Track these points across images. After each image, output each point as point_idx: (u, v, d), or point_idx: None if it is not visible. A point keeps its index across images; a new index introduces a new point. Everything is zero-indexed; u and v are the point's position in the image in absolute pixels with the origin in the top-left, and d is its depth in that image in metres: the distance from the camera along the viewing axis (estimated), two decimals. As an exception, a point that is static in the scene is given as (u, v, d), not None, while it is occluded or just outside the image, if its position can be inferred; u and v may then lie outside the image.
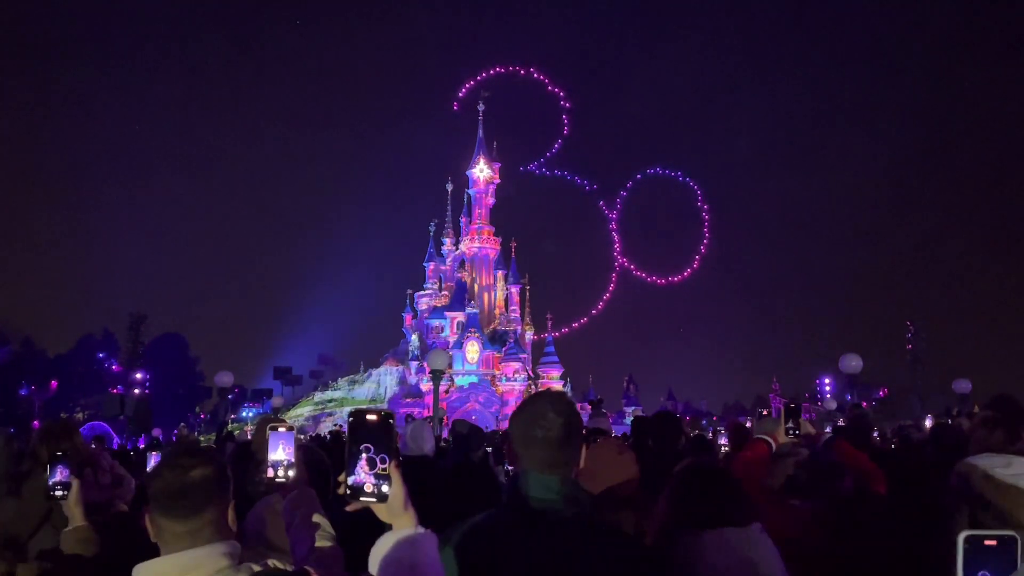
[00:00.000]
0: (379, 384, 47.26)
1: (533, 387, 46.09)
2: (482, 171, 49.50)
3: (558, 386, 46.16)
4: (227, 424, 21.90)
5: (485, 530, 2.23)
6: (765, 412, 5.96)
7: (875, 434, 10.02)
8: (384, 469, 1.84)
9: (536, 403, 2.37)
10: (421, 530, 1.90)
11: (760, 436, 3.72)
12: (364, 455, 1.84)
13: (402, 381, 46.61)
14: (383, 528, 1.96)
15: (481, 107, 51.05)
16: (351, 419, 1.90)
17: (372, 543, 1.94)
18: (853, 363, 16.02)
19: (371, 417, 1.88)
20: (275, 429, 2.48)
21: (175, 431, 18.84)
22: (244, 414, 43.84)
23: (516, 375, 45.08)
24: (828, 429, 9.03)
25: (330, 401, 46.19)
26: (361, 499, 1.83)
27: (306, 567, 1.90)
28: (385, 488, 1.84)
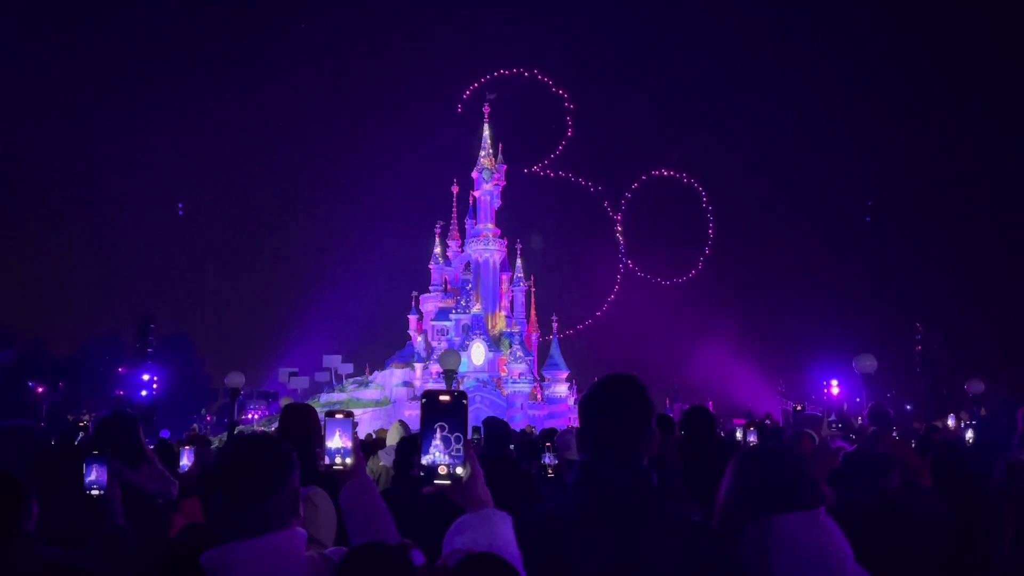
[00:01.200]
0: (384, 386, 47.23)
1: (539, 389, 46.10)
2: (488, 173, 49.48)
3: (563, 388, 46.17)
4: (236, 425, 21.87)
5: (556, 517, 2.19)
6: (799, 407, 5.92)
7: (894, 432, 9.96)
8: (459, 450, 1.78)
9: (603, 388, 2.32)
10: (497, 511, 1.85)
11: (803, 431, 3.67)
12: (438, 435, 1.78)
13: (408, 383, 46.57)
14: (442, 514, 1.90)
15: (487, 109, 51.09)
16: (424, 400, 1.85)
17: (431, 530, 1.89)
18: (867, 363, 15.92)
19: (444, 398, 1.83)
20: (333, 416, 2.41)
21: (185, 432, 18.80)
22: (250, 416, 43.82)
23: (521, 377, 45.03)
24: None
25: (336, 403, 46.12)
26: (436, 482, 1.77)
27: (406, 541, 1.83)
28: (460, 470, 1.79)
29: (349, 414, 2.54)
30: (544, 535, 2.14)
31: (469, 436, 1.83)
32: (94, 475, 3.36)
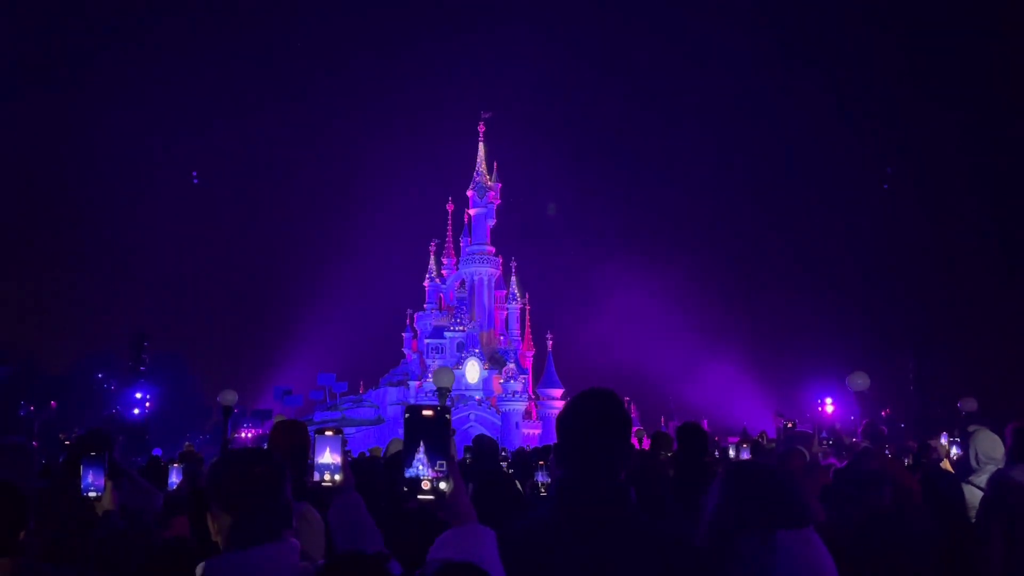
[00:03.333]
0: (379, 405, 47.07)
1: (534, 407, 46.00)
2: (482, 191, 49.62)
3: (559, 406, 46.08)
4: (229, 442, 21.74)
5: (536, 530, 2.18)
6: (790, 424, 5.93)
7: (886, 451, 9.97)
8: (442, 464, 1.78)
9: (580, 403, 2.32)
10: (480, 526, 1.85)
11: (794, 447, 3.67)
12: (422, 450, 1.78)
13: (403, 401, 46.43)
14: (429, 529, 1.90)
15: (481, 128, 51.34)
16: (407, 415, 1.85)
17: (417, 544, 1.89)
18: (860, 381, 15.91)
19: (427, 412, 1.83)
20: (322, 434, 2.42)
21: (178, 450, 18.71)
22: (244, 434, 43.56)
23: (516, 395, 44.95)
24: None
25: (330, 422, 45.93)
26: (419, 496, 1.77)
27: (383, 551, 1.84)
28: (443, 484, 1.79)
29: (338, 431, 2.55)
30: (521, 550, 2.14)
31: (453, 451, 1.83)
32: (91, 478, 3.38)
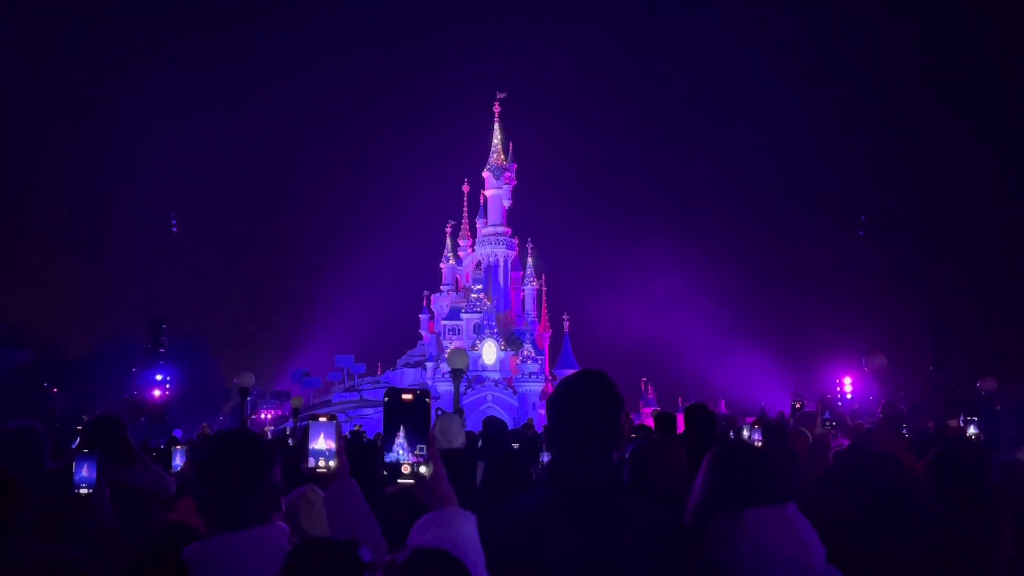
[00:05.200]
0: (396, 386, 47.35)
1: (551, 387, 46.08)
2: (498, 172, 49.47)
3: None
4: (246, 424, 21.98)
5: (526, 512, 2.19)
6: (799, 404, 5.90)
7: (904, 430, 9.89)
8: (422, 448, 1.78)
9: (572, 385, 2.31)
10: (460, 510, 1.85)
11: (797, 429, 3.65)
12: (401, 434, 1.78)
13: (420, 383, 46.70)
14: (423, 512, 1.90)
15: (496, 108, 51.09)
16: (386, 399, 1.84)
17: (398, 528, 1.89)
18: (878, 361, 15.84)
19: (407, 396, 1.83)
20: (316, 419, 2.43)
21: (197, 432, 18.93)
22: (263, 415, 44.05)
23: (533, 375, 45.05)
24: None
25: (348, 403, 46.28)
26: (399, 481, 1.77)
27: (353, 539, 1.84)
28: (423, 468, 1.78)
29: (332, 417, 2.55)
30: (513, 532, 2.14)
31: (462, 431, 1.84)
32: (84, 472, 3.38)
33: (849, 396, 32.27)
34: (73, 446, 6.72)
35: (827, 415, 3.63)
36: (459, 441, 6.06)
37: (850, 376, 32.82)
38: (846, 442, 4.27)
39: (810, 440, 4.32)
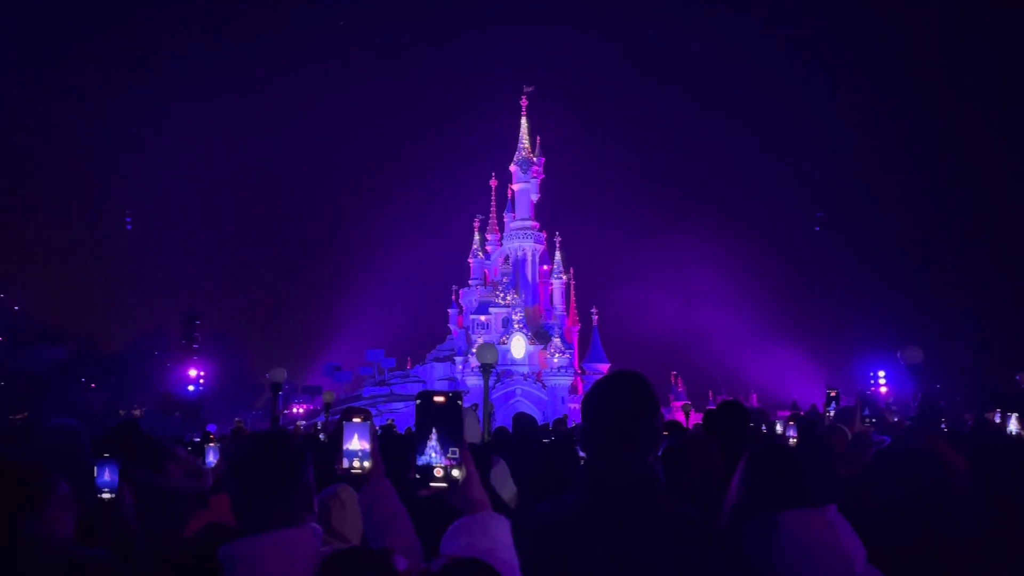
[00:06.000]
0: (426, 380, 47.57)
1: (580, 382, 46.00)
2: (525, 166, 49.37)
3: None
4: (279, 418, 22.21)
5: (560, 514, 2.15)
6: (834, 393, 5.79)
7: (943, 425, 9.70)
8: (455, 452, 1.75)
9: (606, 385, 2.27)
10: (493, 514, 1.81)
11: (836, 425, 3.57)
12: (434, 437, 1.75)
13: (449, 377, 46.84)
14: (457, 515, 1.88)
15: (524, 102, 50.96)
16: (419, 401, 1.82)
17: (446, 528, 1.86)
18: (914, 354, 15.54)
19: (439, 399, 1.80)
20: (350, 420, 2.41)
21: (231, 426, 19.16)
22: (295, 409, 44.57)
23: (562, 369, 44.98)
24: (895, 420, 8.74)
25: (379, 397, 46.61)
26: (432, 484, 1.74)
27: (387, 547, 1.82)
28: (456, 472, 1.75)
29: (367, 417, 2.53)
30: (547, 535, 2.11)
31: (464, 438, 1.80)
32: (106, 477, 3.38)
33: (884, 390, 31.81)
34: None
35: (867, 411, 3.54)
36: (474, 437, 6.02)
37: (884, 369, 32.34)
38: (887, 439, 4.17)
39: (849, 437, 4.23)
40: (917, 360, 15.82)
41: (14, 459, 2.64)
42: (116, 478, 3.38)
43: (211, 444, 6.07)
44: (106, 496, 3.35)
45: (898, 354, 16.61)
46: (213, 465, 5.85)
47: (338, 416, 2.59)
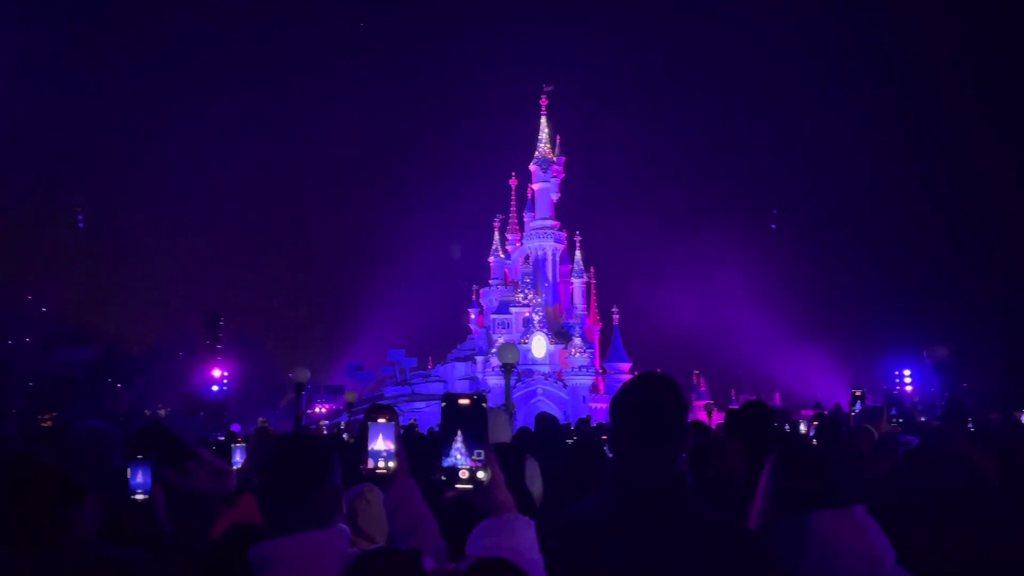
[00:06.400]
0: (447, 380, 47.71)
1: (601, 381, 45.90)
2: (545, 165, 49.33)
3: (627, 379, 45.73)
4: (302, 418, 22.36)
5: (587, 517, 2.15)
6: (859, 392, 5.74)
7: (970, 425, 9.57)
8: (479, 454, 1.76)
9: (635, 387, 2.27)
10: (519, 516, 1.82)
11: (862, 425, 3.54)
12: (459, 439, 1.76)
13: (469, 377, 46.93)
14: (482, 516, 1.89)
15: (544, 101, 50.92)
16: (444, 403, 1.83)
17: (470, 531, 1.87)
18: (940, 352, 15.36)
19: (463, 401, 1.81)
20: (375, 420, 2.42)
21: (254, 426, 19.32)
22: (317, 409, 44.88)
23: (583, 369, 44.90)
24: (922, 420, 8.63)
25: (400, 397, 46.81)
26: (457, 486, 1.75)
27: (415, 547, 1.83)
28: (481, 474, 1.76)
29: (392, 417, 2.55)
30: (574, 538, 2.11)
31: (489, 440, 1.81)
32: (139, 478, 3.41)
33: (909, 388, 31.45)
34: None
35: (893, 411, 3.51)
36: (505, 436, 6.01)
37: (910, 368, 31.96)
38: (915, 439, 4.13)
39: (876, 437, 4.19)
40: (943, 358, 15.62)
41: (46, 461, 2.69)
42: (149, 480, 3.42)
43: (237, 444, 6.10)
44: (139, 497, 3.39)
45: (924, 352, 16.42)
46: (240, 465, 5.88)
47: (361, 415, 2.61)
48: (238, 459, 5.98)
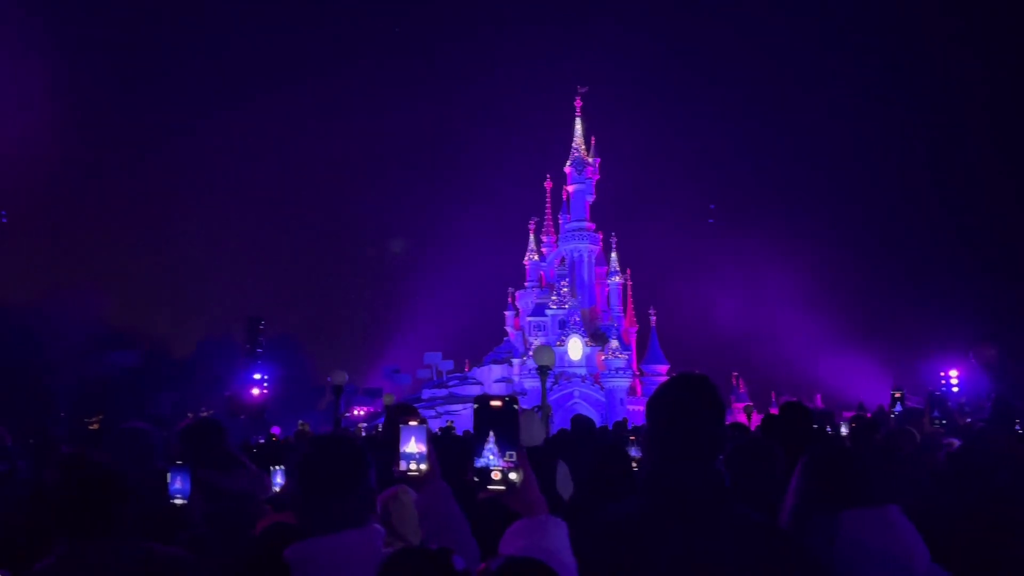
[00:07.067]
0: (483, 382, 47.84)
1: (638, 383, 45.63)
2: (580, 167, 49.24)
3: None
4: (340, 420, 22.59)
5: (624, 519, 2.15)
6: (898, 394, 5.64)
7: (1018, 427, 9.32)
8: (511, 456, 1.77)
9: (672, 388, 2.26)
10: (551, 517, 1.83)
11: (904, 427, 3.48)
12: (491, 440, 1.78)
13: (506, 379, 46.99)
14: (514, 517, 1.90)
15: (578, 103, 50.86)
16: (476, 405, 1.85)
17: (503, 531, 1.89)
18: (988, 352, 15.01)
19: (495, 403, 1.83)
20: (406, 423, 2.45)
21: (294, 428, 19.57)
22: (355, 412, 45.30)
23: (620, 371, 44.69)
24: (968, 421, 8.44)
25: (438, 399, 47.06)
26: (490, 487, 1.77)
27: (447, 547, 1.85)
28: (513, 475, 1.78)
29: (423, 420, 2.57)
30: (611, 540, 2.11)
31: (520, 442, 1.82)
32: (178, 484, 3.48)
33: (956, 390, 30.69)
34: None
35: (936, 412, 3.44)
36: (538, 438, 6.01)
37: (957, 368, 31.22)
38: (957, 442, 4.04)
39: (918, 439, 4.11)
40: (991, 359, 15.26)
41: (99, 461, 2.81)
42: (188, 486, 3.50)
43: (278, 468, 5.83)
44: (178, 502, 3.46)
45: (971, 352, 16.06)
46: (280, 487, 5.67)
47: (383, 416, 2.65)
48: (279, 480, 5.75)
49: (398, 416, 3.91)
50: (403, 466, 2.47)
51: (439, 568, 1.65)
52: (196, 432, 4.41)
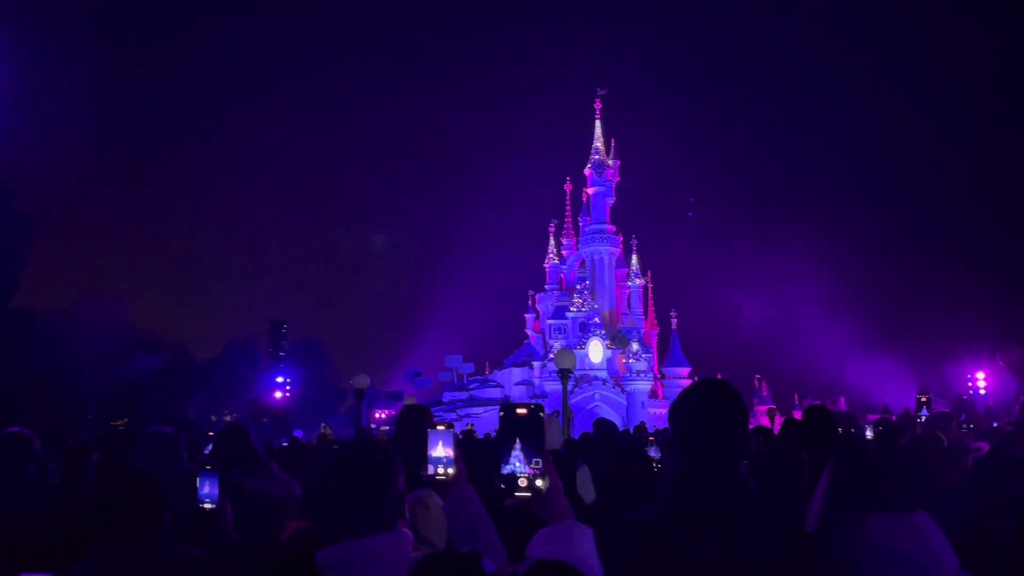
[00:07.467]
0: (504, 385, 47.86)
1: (659, 386, 45.44)
2: (600, 169, 49.18)
3: (686, 384, 45.17)
4: (362, 423, 22.72)
5: (649, 524, 2.16)
6: (924, 399, 5.59)
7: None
8: (537, 463, 1.79)
9: (695, 394, 2.27)
10: (577, 524, 1.84)
11: (930, 432, 3.45)
12: (518, 447, 1.80)
13: (526, 382, 46.98)
14: (540, 524, 1.91)
15: (598, 105, 50.81)
16: (502, 412, 1.87)
17: (530, 537, 1.90)
18: (1016, 355, 14.81)
19: (521, 411, 1.84)
20: (434, 428, 2.48)
21: (316, 432, 19.71)
22: (377, 415, 45.44)
23: (641, 374, 44.53)
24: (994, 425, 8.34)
25: (459, 402, 47.14)
26: (516, 494, 1.79)
27: (476, 551, 1.88)
28: (539, 482, 1.79)
29: (450, 425, 2.60)
30: (636, 544, 2.12)
31: (546, 448, 1.84)
32: (207, 489, 3.53)
33: (983, 393, 30.28)
34: (206, 451, 7.07)
35: (963, 416, 3.40)
36: (557, 443, 6.02)
37: (984, 371, 30.77)
38: (985, 446, 4.00)
39: (945, 444, 4.07)
40: (1019, 362, 15.03)
41: (134, 465, 2.88)
42: (216, 491, 3.55)
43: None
44: (207, 507, 3.51)
45: (998, 355, 15.84)
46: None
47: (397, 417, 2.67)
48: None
49: (415, 417, 3.95)
50: (431, 470, 2.50)
51: (469, 572, 1.67)
52: (226, 437, 4.47)
